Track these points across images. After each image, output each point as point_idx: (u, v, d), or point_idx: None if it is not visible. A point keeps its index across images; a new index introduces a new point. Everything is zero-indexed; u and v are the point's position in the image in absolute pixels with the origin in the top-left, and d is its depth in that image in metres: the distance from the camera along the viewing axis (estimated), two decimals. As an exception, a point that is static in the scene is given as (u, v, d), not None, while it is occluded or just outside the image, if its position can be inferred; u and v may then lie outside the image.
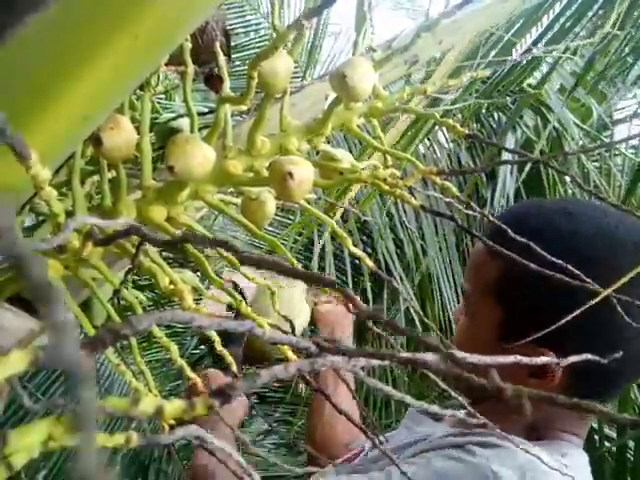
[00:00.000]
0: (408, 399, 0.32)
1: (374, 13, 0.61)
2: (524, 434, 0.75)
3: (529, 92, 2.12)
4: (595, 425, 1.42)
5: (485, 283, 0.77)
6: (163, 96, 0.98)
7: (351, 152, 1.79)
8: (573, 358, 0.33)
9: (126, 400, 0.24)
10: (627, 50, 1.85)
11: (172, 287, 0.45)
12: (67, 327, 0.14)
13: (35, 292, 0.14)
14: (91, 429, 0.13)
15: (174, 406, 0.24)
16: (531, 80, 2.24)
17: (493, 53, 1.92)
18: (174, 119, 0.77)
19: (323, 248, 2.08)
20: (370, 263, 0.60)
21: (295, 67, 0.52)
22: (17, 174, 0.35)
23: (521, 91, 2.21)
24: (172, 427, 0.33)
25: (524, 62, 1.75)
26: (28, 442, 0.23)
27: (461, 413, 0.54)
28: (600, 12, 1.82)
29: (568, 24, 1.85)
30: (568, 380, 0.71)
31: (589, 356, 0.35)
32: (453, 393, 0.46)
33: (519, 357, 0.30)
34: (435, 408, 0.33)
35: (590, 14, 1.85)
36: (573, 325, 0.58)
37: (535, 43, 1.95)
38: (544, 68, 2.16)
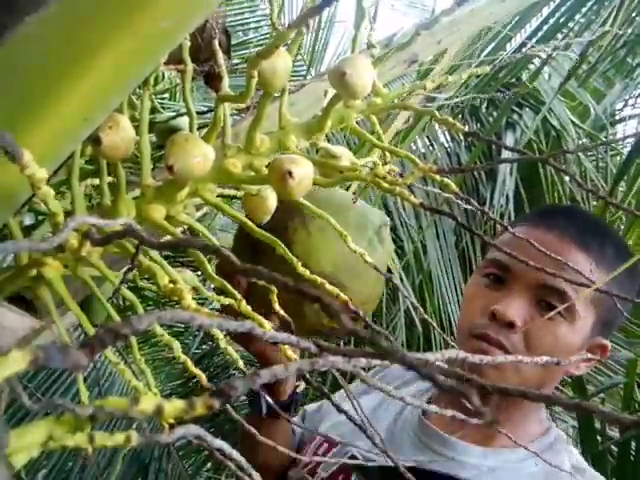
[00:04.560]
0: (408, 399, 0.32)
1: (374, 10, 0.61)
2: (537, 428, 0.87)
3: (526, 88, 2.13)
4: (597, 424, 1.42)
5: (592, 293, 0.79)
6: (166, 95, 0.98)
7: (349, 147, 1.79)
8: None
9: (126, 399, 0.24)
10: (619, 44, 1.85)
11: (171, 286, 0.45)
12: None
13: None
14: None
15: (174, 406, 0.23)
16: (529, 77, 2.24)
17: (489, 48, 1.92)
18: (173, 118, 0.77)
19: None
20: (369, 259, 0.59)
21: (300, 65, 0.52)
22: (16, 174, 0.35)
23: (517, 86, 2.21)
24: (172, 426, 0.33)
25: (518, 57, 1.75)
26: (28, 442, 0.23)
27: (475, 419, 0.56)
28: (594, 7, 1.83)
29: (562, 19, 1.85)
30: None
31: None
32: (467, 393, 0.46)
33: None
34: (449, 412, 0.33)
35: (584, 10, 1.85)
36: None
37: (529, 38, 1.95)
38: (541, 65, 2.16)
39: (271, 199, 0.54)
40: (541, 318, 0.81)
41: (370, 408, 0.94)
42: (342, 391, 1.05)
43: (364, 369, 0.28)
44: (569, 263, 0.52)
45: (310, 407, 1.12)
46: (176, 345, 0.47)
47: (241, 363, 0.49)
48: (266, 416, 0.91)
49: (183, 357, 0.48)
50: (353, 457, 0.88)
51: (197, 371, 0.48)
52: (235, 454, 0.28)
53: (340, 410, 0.45)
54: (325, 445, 0.95)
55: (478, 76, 2.00)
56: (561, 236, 0.83)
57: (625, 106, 2.69)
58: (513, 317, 0.81)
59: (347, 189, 2.05)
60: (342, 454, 0.90)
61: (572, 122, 2.34)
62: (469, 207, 0.53)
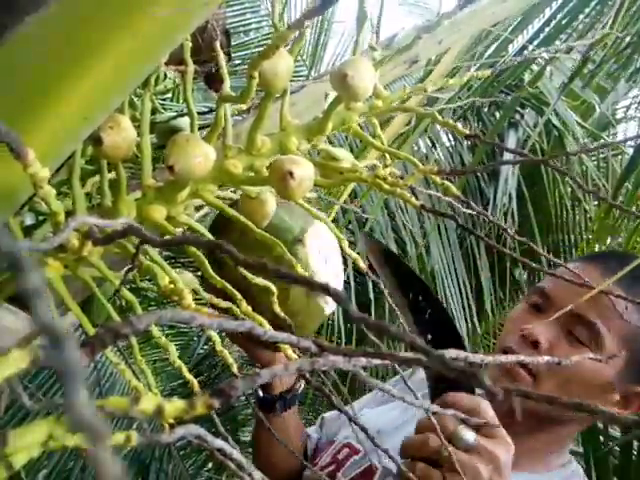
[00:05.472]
0: (409, 398, 0.32)
1: (376, 11, 0.61)
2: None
3: (528, 89, 2.12)
4: (599, 424, 1.42)
5: (624, 330, 0.84)
6: (168, 96, 0.97)
7: (351, 150, 1.79)
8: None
9: (126, 399, 0.24)
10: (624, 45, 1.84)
11: (172, 286, 0.45)
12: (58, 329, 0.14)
13: (27, 293, 0.14)
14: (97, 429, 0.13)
15: (174, 405, 0.23)
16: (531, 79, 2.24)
17: (491, 50, 1.91)
18: (174, 118, 0.76)
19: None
20: (363, 265, 0.59)
21: (299, 66, 0.52)
22: (17, 173, 0.35)
23: (519, 87, 2.21)
24: (172, 426, 0.33)
25: (522, 60, 1.75)
26: (28, 442, 0.23)
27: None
28: (597, 7, 1.82)
29: (565, 20, 1.85)
30: None
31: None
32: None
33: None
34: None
35: (587, 10, 1.84)
36: None
37: (532, 39, 1.95)
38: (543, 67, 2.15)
39: (270, 203, 0.54)
40: (567, 345, 0.85)
41: (398, 421, 0.96)
42: (370, 396, 1.08)
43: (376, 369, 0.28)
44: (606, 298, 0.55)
45: (329, 414, 1.14)
46: (172, 349, 0.48)
47: (235, 368, 0.49)
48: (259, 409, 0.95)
49: (178, 362, 0.48)
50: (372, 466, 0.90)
51: (191, 377, 0.48)
52: (235, 454, 0.28)
53: (351, 419, 0.45)
54: (346, 450, 0.96)
55: (480, 78, 1.99)
56: (605, 273, 0.85)
57: (631, 105, 2.68)
58: (538, 336, 0.85)
59: (356, 195, 2.05)
60: (364, 463, 0.92)
61: (576, 122, 2.33)
62: (471, 209, 0.53)
